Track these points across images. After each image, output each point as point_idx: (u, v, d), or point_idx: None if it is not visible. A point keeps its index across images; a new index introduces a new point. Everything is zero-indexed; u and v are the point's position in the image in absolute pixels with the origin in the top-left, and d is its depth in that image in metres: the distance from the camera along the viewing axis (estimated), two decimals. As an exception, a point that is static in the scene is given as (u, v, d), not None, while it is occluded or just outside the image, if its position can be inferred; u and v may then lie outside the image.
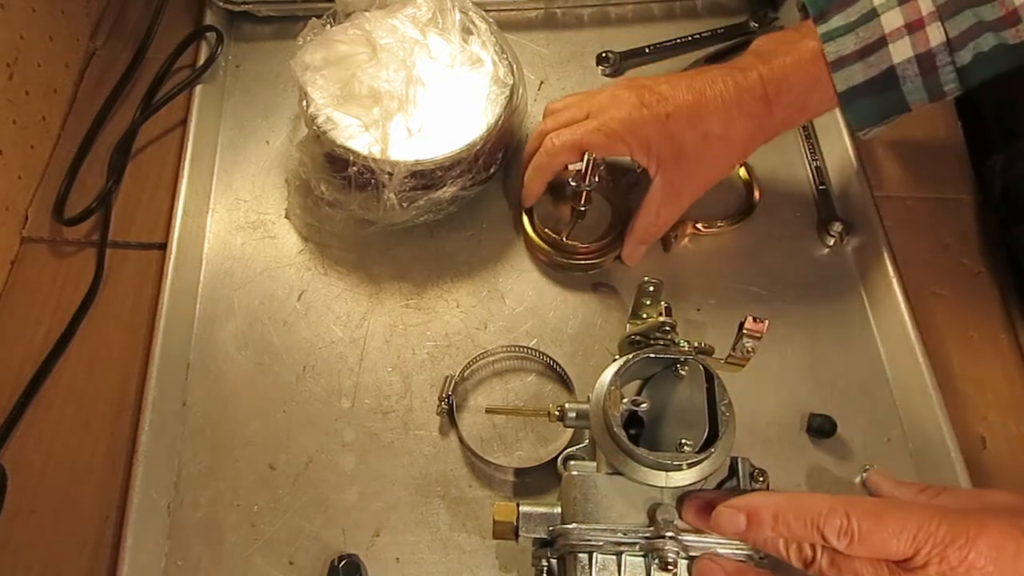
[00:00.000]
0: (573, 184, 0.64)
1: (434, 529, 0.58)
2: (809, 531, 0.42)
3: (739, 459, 0.51)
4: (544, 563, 0.50)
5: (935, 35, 0.53)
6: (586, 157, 0.61)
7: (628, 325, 0.58)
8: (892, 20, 0.54)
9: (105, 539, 0.58)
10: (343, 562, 0.56)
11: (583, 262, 0.67)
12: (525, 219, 0.69)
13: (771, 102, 0.57)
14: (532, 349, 0.64)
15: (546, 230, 0.67)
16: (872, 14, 0.55)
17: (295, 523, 0.59)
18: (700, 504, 0.47)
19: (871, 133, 0.59)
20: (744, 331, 0.50)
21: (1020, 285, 0.66)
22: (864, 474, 0.54)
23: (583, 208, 0.66)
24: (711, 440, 0.50)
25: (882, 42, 0.54)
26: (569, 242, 0.67)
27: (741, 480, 0.50)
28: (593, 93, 0.64)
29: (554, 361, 0.64)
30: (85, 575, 0.57)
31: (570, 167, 0.63)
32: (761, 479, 0.50)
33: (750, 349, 0.50)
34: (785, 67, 0.57)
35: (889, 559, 0.41)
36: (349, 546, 0.58)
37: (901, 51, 0.54)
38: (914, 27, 0.53)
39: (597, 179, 0.62)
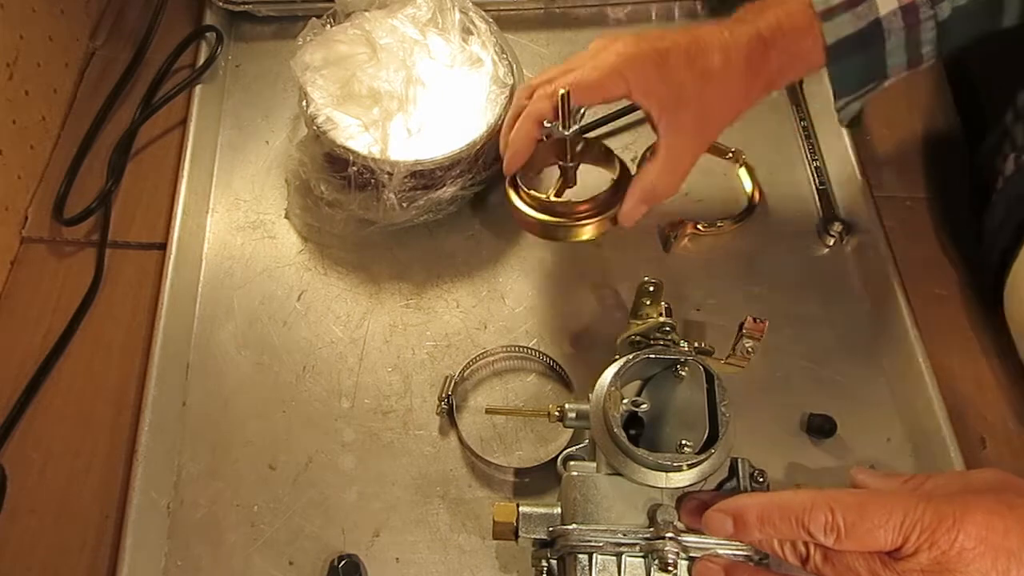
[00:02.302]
0: (551, 132, 0.57)
1: (434, 529, 0.58)
2: (796, 530, 0.42)
3: (739, 460, 0.51)
4: (544, 564, 0.50)
5: None
6: (560, 94, 0.53)
7: (628, 325, 0.58)
8: None
9: (105, 539, 0.58)
10: (343, 562, 0.56)
11: (576, 224, 0.58)
12: (510, 191, 0.60)
13: (768, 45, 0.54)
14: (532, 349, 0.64)
15: (531, 191, 0.59)
16: None
17: (295, 523, 0.59)
18: (697, 505, 0.47)
19: (848, 111, 0.58)
20: (744, 331, 0.50)
21: (988, 273, 0.66)
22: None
23: (571, 165, 0.59)
24: (711, 441, 0.50)
25: None
26: (558, 200, 0.59)
27: (741, 480, 0.50)
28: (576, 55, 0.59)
29: (554, 361, 0.64)
30: (85, 575, 0.57)
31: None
32: (761, 479, 0.50)
33: (750, 349, 0.50)
34: (779, 17, 0.55)
35: (880, 551, 0.41)
36: (349, 546, 0.58)
37: (887, 2, 0.53)
38: None
39: (579, 121, 0.56)
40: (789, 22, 0.55)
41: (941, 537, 0.40)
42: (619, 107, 0.76)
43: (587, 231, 0.58)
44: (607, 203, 0.58)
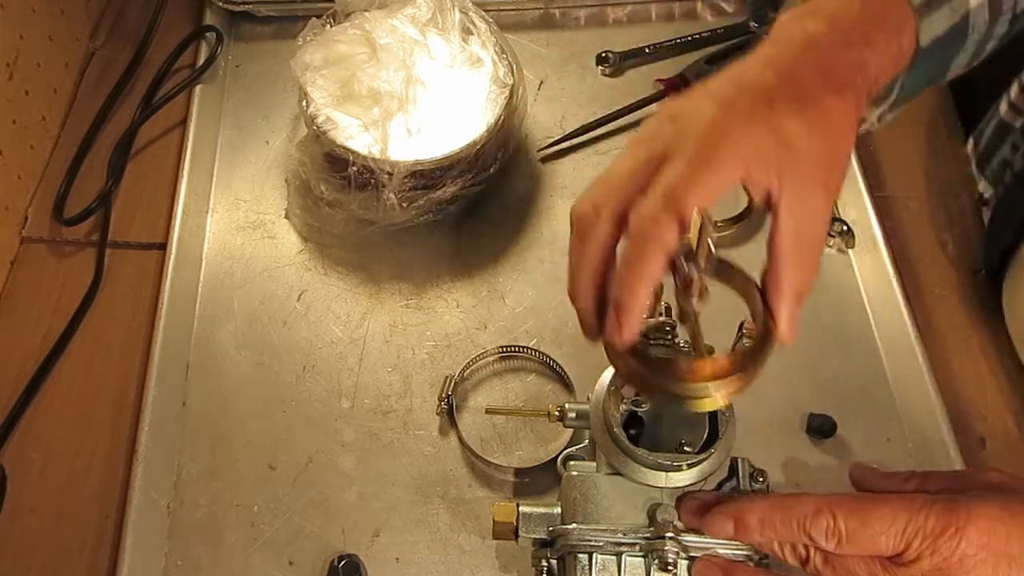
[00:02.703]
0: (685, 270, 0.41)
1: (434, 529, 0.58)
2: (797, 534, 0.42)
3: (739, 459, 0.51)
4: (544, 563, 0.50)
5: None
6: (694, 218, 0.38)
7: None
8: None
9: (105, 539, 0.57)
10: (343, 562, 0.56)
11: (728, 378, 0.42)
12: (627, 361, 0.43)
13: (865, 61, 0.42)
14: (532, 349, 0.64)
15: (656, 355, 0.44)
16: None
17: (295, 523, 0.59)
18: (697, 505, 0.47)
19: (887, 119, 0.51)
20: (744, 331, 0.50)
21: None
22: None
23: (696, 301, 0.42)
24: (711, 441, 0.50)
25: None
26: (700, 359, 0.43)
27: (741, 480, 0.50)
28: (635, 142, 0.42)
29: (554, 361, 0.64)
30: (85, 575, 0.57)
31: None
32: (761, 479, 0.50)
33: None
34: (869, 14, 0.43)
35: (881, 556, 0.41)
36: (349, 546, 0.58)
37: None
38: None
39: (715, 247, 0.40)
40: (877, 22, 0.43)
41: (944, 544, 0.39)
42: (619, 107, 0.76)
43: (729, 393, 0.42)
44: (756, 353, 0.42)
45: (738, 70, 0.42)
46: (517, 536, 0.50)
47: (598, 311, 0.42)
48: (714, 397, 0.41)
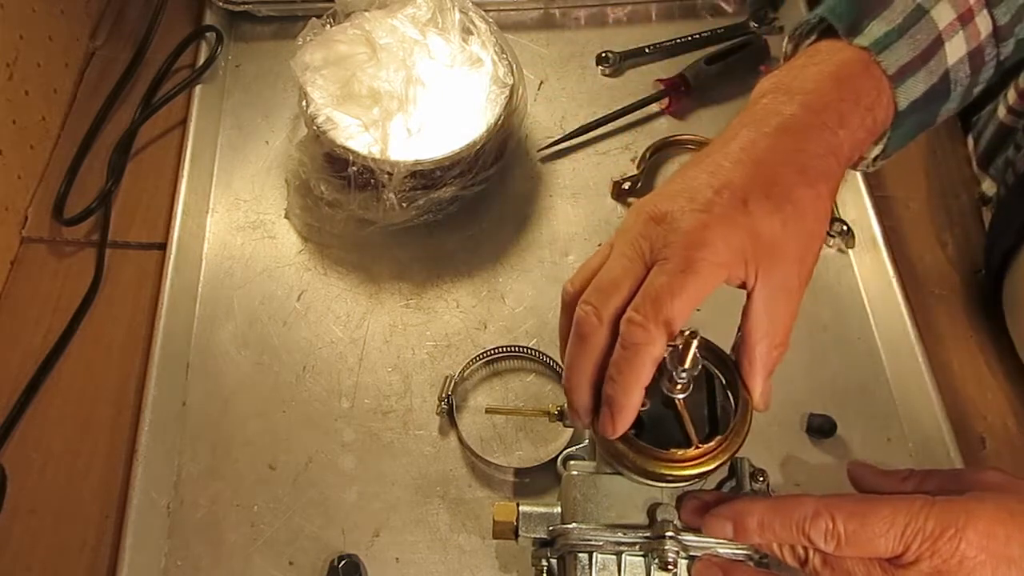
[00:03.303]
0: (670, 371, 0.43)
1: (434, 529, 0.58)
2: (796, 536, 0.42)
3: (739, 459, 0.51)
4: (544, 563, 0.50)
5: (983, 24, 0.47)
6: (690, 341, 0.42)
7: None
8: (943, 14, 0.46)
9: (105, 539, 0.57)
10: (343, 562, 0.56)
11: (704, 460, 0.45)
12: (619, 446, 0.45)
13: (840, 143, 0.44)
14: (532, 349, 0.64)
15: (655, 449, 0.45)
16: (920, 12, 0.45)
17: (295, 523, 0.59)
18: (697, 505, 0.47)
19: (878, 164, 0.51)
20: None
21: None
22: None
23: (680, 395, 0.45)
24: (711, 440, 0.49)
25: (939, 42, 0.46)
26: (695, 450, 0.45)
27: (741, 480, 0.50)
28: (611, 245, 0.44)
29: (554, 361, 0.64)
30: (85, 575, 0.57)
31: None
32: (761, 479, 0.50)
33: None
34: (839, 94, 0.44)
35: (880, 557, 0.41)
36: (349, 546, 0.58)
37: (955, 49, 0.46)
38: (965, 19, 0.46)
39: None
40: (851, 100, 0.44)
41: (943, 546, 0.39)
42: (619, 107, 0.76)
43: (714, 467, 0.45)
44: (739, 427, 0.45)
45: (716, 161, 0.43)
46: (517, 536, 0.50)
47: (592, 403, 0.44)
48: (699, 472, 0.44)
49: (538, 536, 0.50)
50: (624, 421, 0.42)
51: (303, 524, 0.59)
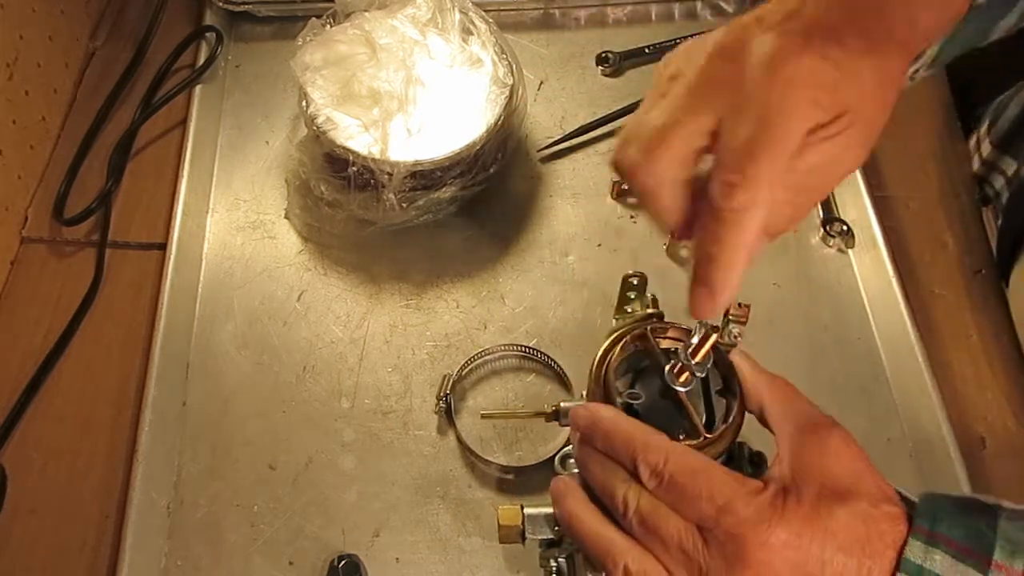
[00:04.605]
0: (683, 361, 0.45)
1: (434, 529, 0.58)
2: (626, 453, 0.41)
3: (737, 443, 0.50)
4: (553, 563, 0.50)
5: None
6: (696, 327, 0.43)
7: (613, 321, 0.57)
8: None
9: (105, 539, 0.58)
10: (343, 562, 0.56)
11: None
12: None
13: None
14: (532, 349, 0.64)
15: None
16: None
17: (295, 523, 0.59)
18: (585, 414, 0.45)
19: (919, 77, 0.48)
20: (729, 316, 0.50)
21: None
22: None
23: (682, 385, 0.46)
24: (708, 428, 0.49)
25: None
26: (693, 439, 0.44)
27: (740, 465, 0.50)
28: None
29: (554, 361, 0.64)
30: (85, 575, 0.57)
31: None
32: (759, 461, 0.50)
33: (737, 335, 0.49)
34: None
35: (694, 522, 0.39)
36: (349, 546, 0.58)
37: None
38: None
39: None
40: None
41: (750, 532, 0.38)
42: (619, 107, 0.76)
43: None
44: (734, 424, 0.46)
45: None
46: (524, 539, 0.50)
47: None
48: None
49: (545, 537, 0.50)
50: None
51: (303, 524, 0.59)
